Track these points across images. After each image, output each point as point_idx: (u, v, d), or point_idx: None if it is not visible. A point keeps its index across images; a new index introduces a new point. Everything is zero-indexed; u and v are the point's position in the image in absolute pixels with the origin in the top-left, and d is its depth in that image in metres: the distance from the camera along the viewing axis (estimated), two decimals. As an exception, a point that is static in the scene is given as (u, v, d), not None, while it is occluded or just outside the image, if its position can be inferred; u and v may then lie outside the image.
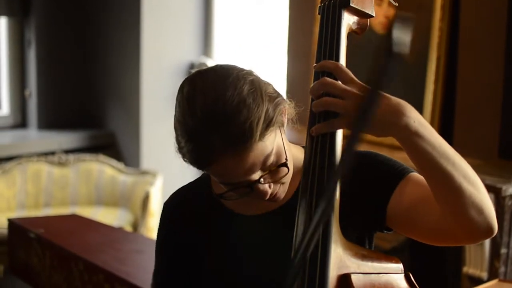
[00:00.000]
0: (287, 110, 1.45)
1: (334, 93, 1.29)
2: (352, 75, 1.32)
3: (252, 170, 1.37)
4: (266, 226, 1.50)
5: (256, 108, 1.35)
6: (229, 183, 1.41)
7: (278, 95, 1.43)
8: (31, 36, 5.20)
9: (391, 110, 1.27)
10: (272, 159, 1.38)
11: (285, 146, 1.42)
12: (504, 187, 3.01)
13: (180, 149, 1.42)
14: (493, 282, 2.49)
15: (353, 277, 1.30)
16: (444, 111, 3.47)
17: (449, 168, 1.29)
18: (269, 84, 1.43)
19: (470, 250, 3.17)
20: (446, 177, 1.29)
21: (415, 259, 3.62)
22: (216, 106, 1.34)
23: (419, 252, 3.58)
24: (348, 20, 1.41)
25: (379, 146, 3.26)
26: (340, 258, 1.30)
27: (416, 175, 1.44)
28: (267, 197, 1.41)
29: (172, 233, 1.60)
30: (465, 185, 1.29)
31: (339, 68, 1.32)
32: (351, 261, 1.32)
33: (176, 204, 1.61)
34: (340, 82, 1.30)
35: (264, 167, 1.38)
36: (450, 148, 1.32)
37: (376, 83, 0.88)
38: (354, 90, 1.28)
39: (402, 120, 1.27)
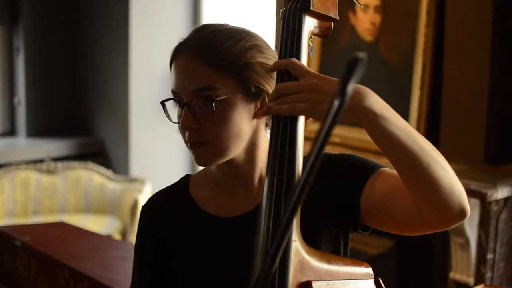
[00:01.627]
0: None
1: (292, 91, 1.29)
2: (307, 68, 1.32)
3: (188, 84, 1.40)
4: (242, 228, 1.49)
5: (238, 51, 1.41)
6: (172, 91, 1.44)
7: (272, 77, 1.44)
8: (19, 43, 5.20)
9: (353, 94, 1.25)
10: (210, 95, 1.40)
11: (235, 118, 1.42)
12: (489, 193, 3.02)
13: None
14: (479, 287, 2.49)
15: (314, 284, 1.26)
16: (430, 117, 3.48)
17: (416, 149, 1.27)
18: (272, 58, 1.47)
19: (457, 255, 3.18)
20: (414, 159, 1.27)
21: (402, 264, 3.62)
22: (208, 27, 1.46)
23: (406, 257, 3.58)
24: (309, 25, 1.41)
25: (365, 152, 3.26)
26: (302, 264, 1.27)
27: (386, 169, 1.44)
28: (184, 127, 1.41)
29: (149, 237, 1.58)
30: (434, 165, 1.28)
31: (292, 62, 1.32)
32: (314, 267, 1.29)
33: (153, 208, 1.60)
34: (294, 82, 1.31)
35: (198, 95, 1.40)
36: (414, 130, 1.31)
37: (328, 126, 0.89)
38: (311, 81, 1.28)
39: (364, 102, 1.26)
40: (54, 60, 5.33)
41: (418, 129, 3.41)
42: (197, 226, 1.54)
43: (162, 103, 1.47)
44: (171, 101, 1.47)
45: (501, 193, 3.05)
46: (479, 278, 3.12)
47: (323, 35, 1.47)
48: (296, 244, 1.28)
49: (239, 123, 1.43)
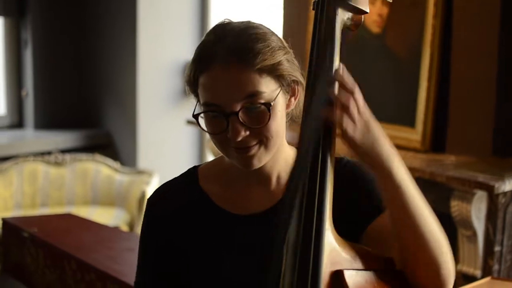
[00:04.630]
0: (299, 96, 1.48)
1: (351, 117, 1.27)
2: (364, 104, 1.31)
3: (236, 94, 1.37)
4: (260, 226, 1.47)
5: (272, 52, 1.41)
6: (211, 103, 1.40)
7: (300, 77, 1.46)
8: (27, 36, 5.20)
9: (388, 148, 1.30)
10: (260, 101, 1.38)
11: (281, 114, 1.43)
12: (497, 185, 3.00)
13: (188, 67, 1.46)
14: (486, 279, 2.48)
15: (346, 273, 1.28)
16: (437, 108, 3.46)
17: (421, 222, 1.31)
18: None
19: (464, 248, 3.17)
20: (414, 231, 1.31)
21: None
22: (236, 28, 1.43)
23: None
24: (342, 16, 1.40)
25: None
26: (333, 254, 1.29)
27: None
28: (238, 138, 1.38)
29: (155, 229, 1.57)
30: (437, 252, 1.32)
31: (356, 97, 1.29)
32: (344, 257, 1.31)
33: (159, 200, 1.58)
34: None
35: (248, 103, 1.38)
36: (430, 213, 1.34)
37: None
38: (364, 117, 1.28)
39: (392, 161, 1.30)
40: (62, 52, 5.34)
41: (425, 120, 3.40)
42: (211, 222, 1.52)
43: (196, 116, 1.43)
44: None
45: (508, 185, 3.04)
46: (486, 271, 3.11)
47: (354, 28, 1.46)
48: (329, 232, 1.29)
49: (283, 117, 1.45)
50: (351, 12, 1.42)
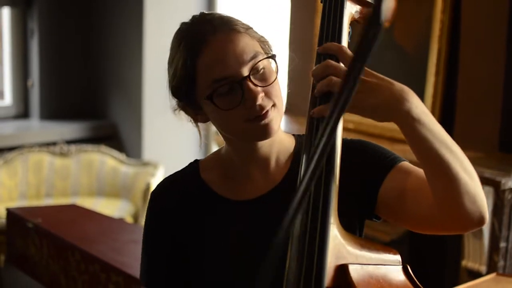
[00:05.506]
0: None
1: (338, 75, 1.29)
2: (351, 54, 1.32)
3: (241, 58, 1.40)
4: (260, 210, 1.48)
5: (247, 24, 1.47)
6: (220, 78, 1.40)
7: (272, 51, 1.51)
8: (33, 26, 5.20)
9: (394, 95, 1.27)
10: (261, 60, 1.42)
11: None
12: (503, 181, 2.99)
13: (170, 67, 1.47)
14: (491, 276, 2.47)
15: (350, 267, 1.28)
16: (444, 104, 3.45)
17: (448, 156, 1.29)
18: None
19: (469, 243, 3.16)
20: (444, 165, 1.29)
21: (414, 252, 3.61)
22: (210, 13, 1.49)
23: (418, 245, 3.57)
24: (350, 9, 1.41)
25: (379, 138, 3.24)
26: (339, 248, 1.29)
27: (406, 164, 1.45)
28: (258, 99, 1.39)
29: (158, 223, 1.58)
30: (462, 173, 1.30)
31: (343, 50, 1.33)
32: (349, 251, 1.30)
33: (162, 193, 1.59)
34: (343, 65, 1.31)
35: (254, 64, 1.41)
36: (448, 136, 1.32)
37: (362, 53, 0.86)
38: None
39: (405, 106, 1.28)
40: (68, 42, 5.33)
41: (433, 115, 3.38)
42: (213, 210, 1.53)
43: (210, 97, 1.42)
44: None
45: (515, 181, 3.03)
46: (492, 267, 3.10)
47: (363, 21, 1.47)
48: (334, 227, 1.29)
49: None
50: (359, 5, 1.42)
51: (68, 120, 5.28)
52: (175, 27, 1.53)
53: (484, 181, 3.00)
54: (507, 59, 3.26)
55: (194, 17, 1.49)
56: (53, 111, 5.31)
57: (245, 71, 1.40)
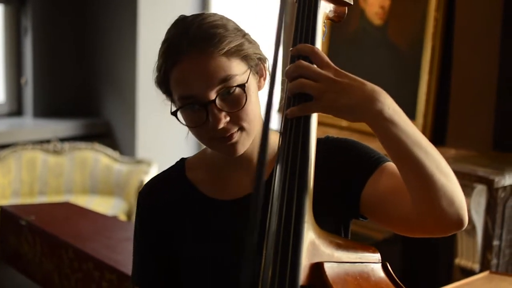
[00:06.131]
0: (265, 74, 1.50)
1: (309, 76, 1.27)
2: (328, 60, 1.30)
3: (209, 81, 1.38)
4: (240, 211, 1.48)
5: (233, 34, 1.42)
6: (186, 96, 1.40)
7: (264, 54, 1.49)
8: (27, 23, 5.18)
9: (366, 96, 1.26)
10: (233, 84, 1.40)
11: (256, 95, 1.44)
12: (497, 179, 3.00)
13: (156, 67, 1.47)
14: (484, 274, 2.48)
15: (326, 265, 1.27)
16: (438, 102, 3.45)
17: (422, 156, 1.27)
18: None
19: (462, 242, 3.16)
20: (418, 166, 1.27)
21: (408, 250, 3.61)
22: (195, 19, 1.44)
23: (412, 243, 3.57)
24: (324, 8, 1.40)
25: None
26: (314, 246, 1.28)
27: (391, 165, 1.43)
28: (220, 125, 1.38)
29: (146, 222, 1.58)
30: (437, 175, 1.28)
31: (315, 52, 1.31)
32: (325, 249, 1.29)
33: (150, 193, 1.59)
34: (315, 66, 1.29)
35: (222, 88, 1.39)
36: (423, 137, 1.31)
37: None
38: (330, 74, 1.27)
39: (377, 106, 1.26)
40: (62, 40, 5.32)
41: (426, 114, 3.39)
42: (198, 210, 1.54)
43: (174, 114, 1.44)
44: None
45: (508, 179, 3.04)
46: (485, 265, 3.11)
47: (337, 20, 1.46)
48: (309, 225, 1.28)
49: (257, 97, 1.46)
50: (333, 3, 1.42)
51: (62, 118, 5.27)
52: (169, 25, 1.53)
53: (478, 179, 3.00)
54: (501, 57, 3.26)
55: (178, 20, 1.48)
56: (47, 109, 5.30)
57: (212, 95, 1.38)
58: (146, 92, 4.99)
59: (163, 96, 1.50)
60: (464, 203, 1.32)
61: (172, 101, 1.46)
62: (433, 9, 3.43)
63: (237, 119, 1.41)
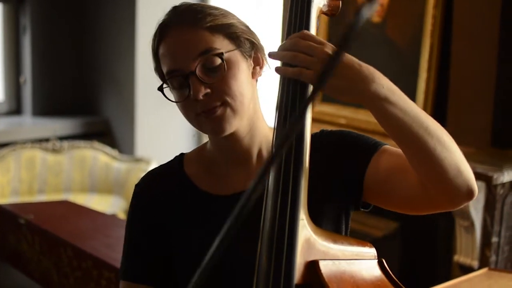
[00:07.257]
0: (263, 64, 1.49)
1: (305, 50, 1.27)
2: (322, 39, 1.31)
3: (190, 53, 1.40)
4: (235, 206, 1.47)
5: (222, 14, 1.45)
6: (171, 70, 1.42)
7: (261, 43, 1.49)
8: (26, 22, 5.18)
9: (359, 76, 1.26)
10: (215, 59, 1.40)
11: (242, 73, 1.43)
12: (495, 176, 3.00)
13: (153, 59, 1.50)
14: (482, 270, 2.47)
15: (321, 263, 1.26)
16: (437, 99, 3.45)
17: (422, 132, 1.28)
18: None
19: (461, 238, 3.16)
20: (419, 142, 1.28)
21: (407, 247, 3.61)
22: (189, 2, 1.48)
23: (411, 240, 3.58)
24: (318, 3, 1.40)
25: (372, 134, 3.24)
26: (309, 244, 1.27)
27: (389, 147, 1.44)
28: (199, 95, 1.38)
29: (140, 215, 1.57)
30: (439, 148, 1.28)
31: (307, 34, 1.31)
32: (320, 246, 1.29)
33: (146, 186, 1.58)
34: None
35: (202, 60, 1.40)
36: (422, 112, 1.31)
37: (344, 39, 0.87)
38: (326, 49, 1.27)
39: (371, 86, 1.26)
40: (61, 39, 5.32)
41: (424, 111, 3.38)
42: (195, 205, 1.53)
43: (160, 89, 1.45)
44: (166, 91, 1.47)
45: (507, 176, 3.04)
46: (484, 262, 3.11)
47: (331, 14, 1.46)
48: (304, 222, 1.27)
49: (246, 79, 1.45)
50: None
51: (61, 116, 5.26)
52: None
53: (477, 176, 2.96)
54: (499, 54, 3.26)
55: (171, 9, 1.51)
56: (46, 108, 5.29)
57: (193, 66, 1.39)
58: (145, 90, 4.99)
59: (162, 95, 1.50)
60: (471, 173, 1.33)
61: (166, 83, 1.47)
62: (431, 6, 3.42)
63: (218, 92, 1.40)
